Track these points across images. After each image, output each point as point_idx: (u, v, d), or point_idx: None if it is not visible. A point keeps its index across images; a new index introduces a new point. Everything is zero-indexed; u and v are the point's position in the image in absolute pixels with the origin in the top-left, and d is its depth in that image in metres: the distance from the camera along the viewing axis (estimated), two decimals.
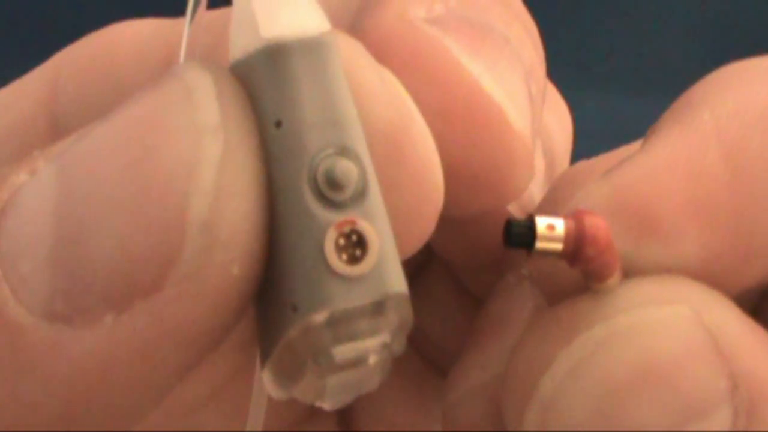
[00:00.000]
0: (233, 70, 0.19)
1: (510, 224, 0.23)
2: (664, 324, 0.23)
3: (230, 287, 0.19)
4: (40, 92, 0.28)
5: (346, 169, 0.18)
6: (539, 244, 0.23)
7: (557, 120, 0.30)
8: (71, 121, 0.28)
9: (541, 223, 0.23)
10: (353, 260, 0.18)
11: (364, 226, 0.18)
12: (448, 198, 0.22)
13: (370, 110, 0.20)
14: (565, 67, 0.29)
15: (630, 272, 0.24)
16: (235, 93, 0.19)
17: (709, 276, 0.24)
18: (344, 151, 0.19)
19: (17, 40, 0.56)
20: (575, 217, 0.23)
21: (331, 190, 0.18)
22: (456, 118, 0.22)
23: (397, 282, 0.19)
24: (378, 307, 0.19)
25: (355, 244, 0.19)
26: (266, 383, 0.20)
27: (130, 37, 0.27)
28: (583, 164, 0.28)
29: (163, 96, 0.19)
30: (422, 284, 0.31)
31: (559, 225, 0.23)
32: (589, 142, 0.33)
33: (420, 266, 0.31)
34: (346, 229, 0.18)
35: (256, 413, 0.24)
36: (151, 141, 0.19)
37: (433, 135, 0.21)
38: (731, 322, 0.23)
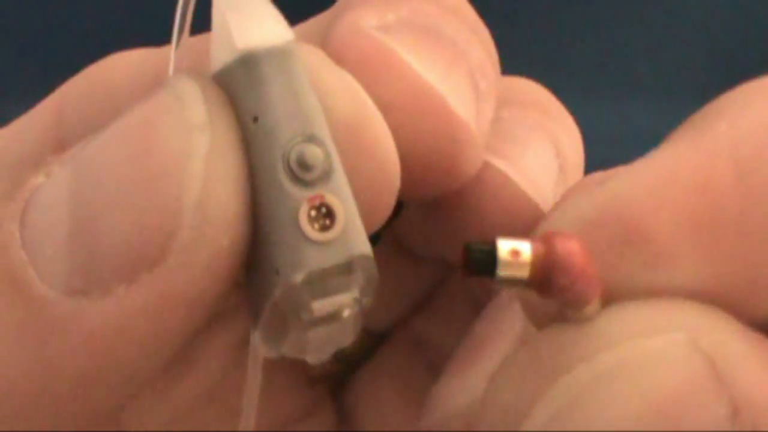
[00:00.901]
0: (215, 78, 0.23)
1: (468, 249, 0.21)
2: (656, 357, 0.21)
3: (221, 257, 0.22)
4: (47, 122, 0.31)
5: (313, 152, 0.22)
6: (502, 272, 0.21)
7: (563, 129, 0.30)
8: (75, 141, 0.31)
9: (504, 247, 0.21)
10: (324, 228, 0.22)
11: (332, 200, 0.22)
12: (406, 182, 0.25)
13: (332, 105, 0.23)
14: (578, 75, 0.31)
15: (614, 295, 0.22)
16: (219, 96, 0.22)
17: (710, 301, 0.22)
18: (311, 138, 0.22)
19: (24, 77, 0.59)
20: (545, 241, 0.21)
21: (302, 171, 0.22)
22: (404, 109, 0.25)
23: (362, 245, 0.22)
24: (347, 267, 0.22)
25: (325, 216, 0.22)
26: (258, 344, 0.24)
27: (123, 65, 0.30)
28: (597, 175, 0.25)
29: (157, 101, 0.23)
30: (439, 299, 0.32)
31: (526, 250, 0.21)
32: (602, 149, 0.32)
33: (438, 282, 0.32)
34: (316, 203, 0.22)
35: (248, 408, 0.26)
36: (149, 138, 0.22)
37: (387, 125, 0.24)
38: (731, 342, 0.22)
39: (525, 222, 0.27)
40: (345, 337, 0.23)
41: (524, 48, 0.28)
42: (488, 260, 0.21)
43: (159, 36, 0.32)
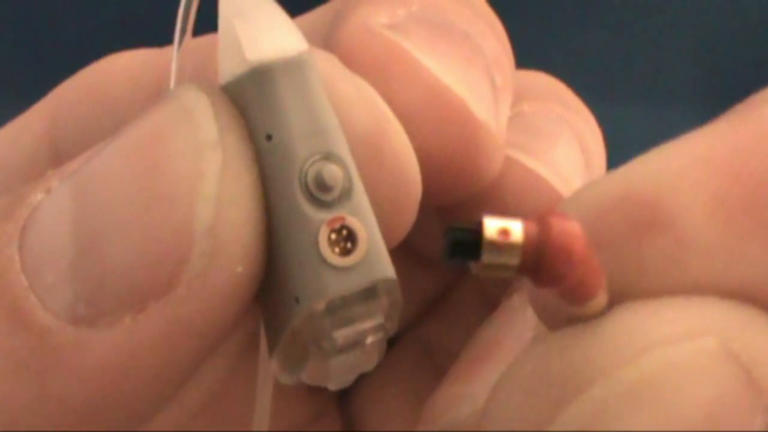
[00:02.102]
0: (224, 90, 0.22)
1: (449, 229, 0.18)
2: (685, 369, 0.19)
3: (235, 284, 0.21)
4: (41, 125, 0.30)
5: (332, 172, 0.20)
6: (488, 256, 0.17)
7: (585, 123, 0.29)
8: (71, 148, 0.29)
9: (492, 226, 0.17)
10: (345, 252, 0.21)
11: (353, 222, 0.21)
12: (426, 189, 0.24)
13: (349, 117, 0.22)
14: (574, 78, 0.30)
15: (631, 292, 0.19)
16: (229, 110, 0.21)
17: (741, 297, 0.19)
18: (329, 157, 0.21)
19: (17, 79, 0.58)
20: (540, 221, 0.18)
21: (320, 192, 0.21)
22: (422, 114, 0.24)
23: (386, 268, 0.21)
24: (370, 292, 0.21)
25: (346, 238, 0.21)
26: (275, 371, 0.23)
27: (121, 67, 0.29)
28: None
29: (164, 116, 0.21)
30: (449, 303, 0.32)
31: (517, 230, 0.17)
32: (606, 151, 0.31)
33: (449, 286, 0.32)
34: (337, 225, 0.21)
35: (261, 415, 0.25)
36: (157, 157, 0.21)
37: (405, 132, 0.23)
38: (766, 343, 0.19)
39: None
40: (368, 363, 0.22)
41: (519, 51, 0.27)
42: (472, 242, 0.17)
43: (155, 36, 0.30)
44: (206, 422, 0.30)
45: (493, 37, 0.26)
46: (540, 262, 0.17)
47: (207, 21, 0.24)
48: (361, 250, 0.21)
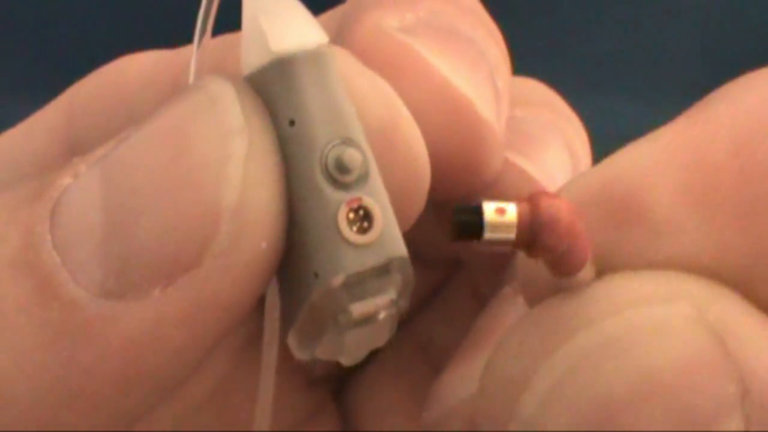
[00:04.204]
0: (247, 80, 0.23)
1: (455, 212, 0.21)
2: (662, 327, 0.21)
3: (259, 260, 0.22)
4: (56, 123, 0.31)
5: (352, 155, 0.22)
6: (488, 234, 0.21)
7: (573, 129, 0.30)
8: (86, 145, 0.30)
9: (490, 208, 0.21)
10: (362, 231, 0.22)
11: (369, 202, 0.22)
12: (431, 183, 0.25)
13: (365, 109, 0.23)
14: (566, 71, 0.31)
15: (616, 269, 0.22)
16: (253, 99, 0.22)
17: (713, 276, 0.22)
18: (348, 142, 0.22)
19: (32, 77, 0.58)
20: (530, 200, 0.21)
21: (340, 174, 0.22)
22: (431, 111, 0.25)
23: (399, 247, 0.22)
24: (384, 269, 0.22)
25: (363, 218, 0.22)
26: (291, 347, 0.24)
27: (136, 67, 0.30)
28: None
29: (190, 104, 0.22)
30: (443, 299, 0.33)
31: (511, 209, 0.21)
32: (596, 148, 0.32)
33: (443, 283, 0.33)
34: (355, 205, 0.22)
35: (263, 407, 0.26)
36: (184, 143, 0.22)
37: None
38: (739, 318, 0.21)
39: None
40: (380, 338, 0.23)
41: (517, 46, 0.29)
42: (475, 222, 0.21)
43: (166, 36, 0.32)
44: (209, 415, 0.31)
45: (494, 45, 0.28)
46: (532, 235, 0.20)
47: (224, 22, 0.25)
48: (377, 229, 0.22)
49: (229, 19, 0.25)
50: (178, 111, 0.22)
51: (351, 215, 0.22)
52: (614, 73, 0.64)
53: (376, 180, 0.22)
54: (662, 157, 0.22)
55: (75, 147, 0.31)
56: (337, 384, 0.34)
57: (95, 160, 0.23)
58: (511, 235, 0.21)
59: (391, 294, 0.22)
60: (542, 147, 0.28)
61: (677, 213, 0.22)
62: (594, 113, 0.32)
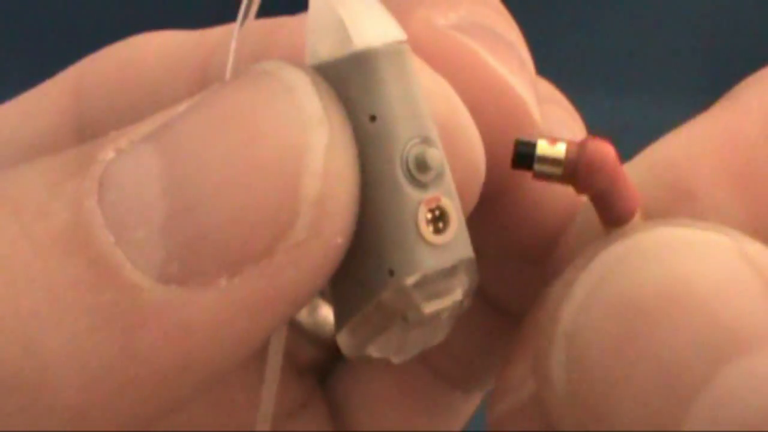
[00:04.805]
0: (316, 70, 0.22)
1: (515, 144, 0.24)
2: (700, 245, 0.21)
3: (331, 255, 0.21)
4: (63, 102, 0.29)
5: (434, 154, 0.22)
6: (538, 166, 0.23)
7: (579, 127, 0.30)
8: (99, 129, 0.29)
9: (543, 143, 0.23)
10: (437, 231, 0.22)
11: (446, 202, 0.22)
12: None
13: (430, 106, 0.23)
14: (570, 67, 0.32)
15: None
16: (329, 90, 0.22)
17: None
18: (427, 140, 0.22)
19: (31, 49, 0.56)
20: (580, 142, 0.23)
21: (419, 172, 0.22)
22: (487, 110, 0.25)
23: (469, 248, 0.22)
24: (454, 270, 0.22)
25: (438, 218, 0.22)
26: (340, 343, 0.23)
27: (156, 48, 0.29)
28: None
29: (263, 89, 0.21)
30: None
31: (561, 146, 0.23)
32: None
33: None
34: (433, 204, 0.22)
35: (267, 400, 0.26)
36: (259, 128, 0.21)
37: None
38: None
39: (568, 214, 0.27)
40: (436, 337, 0.23)
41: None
42: (529, 153, 0.23)
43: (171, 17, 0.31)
44: (196, 405, 0.30)
45: (525, 46, 0.28)
46: (578, 170, 0.23)
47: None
48: (452, 229, 0.22)
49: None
50: (248, 95, 0.22)
51: (428, 215, 0.22)
52: (620, 69, 0.64)
53: (450, 179, 0.22)
54: (700, 141, 0.24)
55: (85, 129, 0.29)
56: (323, 372, 0.34)
57: (142, 136, 0.21)
58: (559, 169, 0.23)
59: (458, 294, 0.22)
60: None
61: (717, 190, 0.23)
62: (594, 111, 0.32)
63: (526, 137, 0.24)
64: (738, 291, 0.20)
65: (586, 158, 0.23)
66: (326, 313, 0.33)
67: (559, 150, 0.23)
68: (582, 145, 0.23)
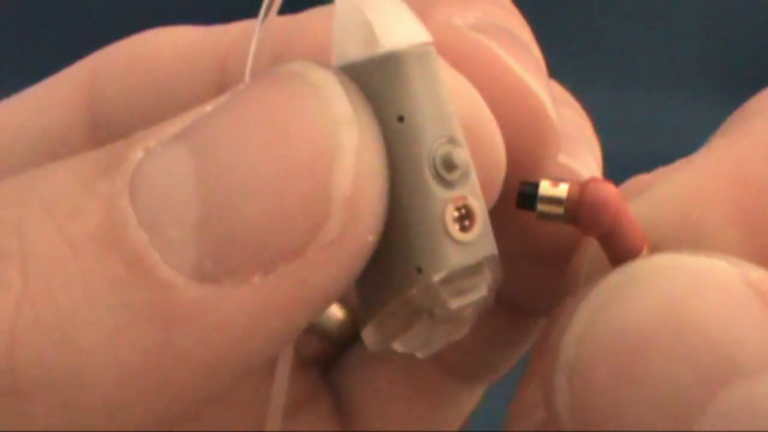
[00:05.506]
0: (343, 71, 0.23)
1: (520, 184, 0.24)
2: (700, 271, 0.21)
3: (364, 253, 0.22)
4: (76, 96, 0.29)
5: (460, 154, 0.22)
6: (540, 206, 0.24)
7: (588, 128, 0.31)
8: (112, 124, 0.29)
9: (545, 184, 0.24)
10: (464, 229, 0.22)
11: (471, 201, 0.22)
12: None
13: (454, 106, 0.23)
14: (578, 63, 0.32)
15: None
16: (357, 90, 0.22)
17: None
18: (453, 140, 0.22)
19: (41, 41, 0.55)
20: (582, 183, 0.24)
21: (447, 172, 0.22)
22: (506, 110, 0.25)
23: (494, 246, 0.23)
24: (480, 267, 0.23)
25: (465, 216, 0.22)
26: (365, 338, 0.24)
27: (172, 43, 0.29)
28: (641, 178, 0.27)
29: (292, 90, 0.22)
30: None
31: (563, 186, 0.24)
32: (602, 137, 0.33)
33: None
34: (460, 203, 0.22)
35: (277, 398, 0.26)
36: (289, 129, 0.21)
37: None
38: None
39: None
40: (459, 333, 0.24)
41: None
42: (531, 194, 0.24)
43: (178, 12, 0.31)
44: (212, 407, 0.30)
45: (537, 46, 0.28)
46: (580, 211, 0.23)
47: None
48: (478, 227, 0.22)
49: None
50: (278, 96, 0.22)
51: (455, 213, 0.22)
52: (626, 63, 0.64)
53: (475, 178, 0.23)
54: (709, 179, 0.24)
55: (99, 124, 0.29)
56: (326, 365, 0.34)
57: (171, 136, 0.22)
58: (561, 210, 0.23)
59: (483, 290, 0.23)
60: (578, 146, 0.29)
61: (727, 229, 0.23)
62: (598, 106, 0.33)
63: (526, 180, 0.24)
64: (737, 315, 0.20)
65: (588, 199, 0.23)
66: (331, 307, 0.34)
67: (561, 190, 0.24)
68: (584, 185, 0.23)
